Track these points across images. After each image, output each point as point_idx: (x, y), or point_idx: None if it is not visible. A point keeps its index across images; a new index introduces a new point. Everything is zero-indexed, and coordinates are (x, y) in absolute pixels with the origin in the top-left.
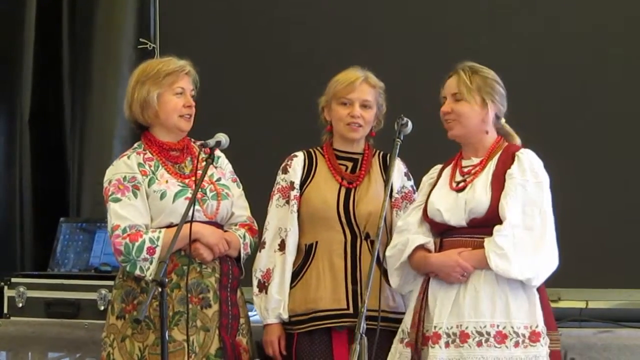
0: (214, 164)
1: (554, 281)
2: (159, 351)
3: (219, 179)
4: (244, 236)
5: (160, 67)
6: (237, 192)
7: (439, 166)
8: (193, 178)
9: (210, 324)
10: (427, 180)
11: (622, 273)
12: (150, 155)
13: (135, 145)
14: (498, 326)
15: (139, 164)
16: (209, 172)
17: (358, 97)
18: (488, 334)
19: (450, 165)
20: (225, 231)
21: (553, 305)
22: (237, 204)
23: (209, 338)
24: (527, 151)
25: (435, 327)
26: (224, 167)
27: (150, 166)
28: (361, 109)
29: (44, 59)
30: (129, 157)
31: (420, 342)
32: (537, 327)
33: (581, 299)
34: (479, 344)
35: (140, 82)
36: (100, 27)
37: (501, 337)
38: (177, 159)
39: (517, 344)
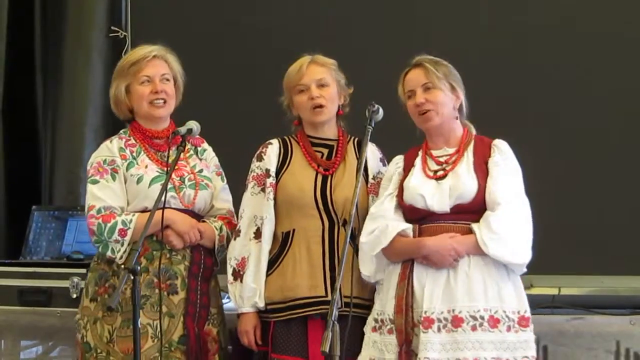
0: (199, 155)
1: (527, 267)
2: (125, 334)
3: (200, 170)
4: (221, 228)
5: (127, 58)
6: (220, 185)
7: (401, 156)
8: (168, 170)
9: (176, 311)
10: (394, 169)
11: (595, 259)
12: (134, 142)
13: (122, 131)
14: (490, 310)
15: (120, 148)
16: (192, 163)
17: (311, 79)
18: (482, 318)
19: (419, 156)
20: (203, 222)
21: (525, 292)
22: (218, 197)
23: (173, 324)
24: (502, 142)
25: (425, 312)
26: (209, 160)
27: (132, 152)
28: (319, 89)
29: (15, 48)
30: (111, 142)
31: (410, 327)
32: (525, 312)
33: (554, 286)
34: (474, 328)
35: (113, 78)
36: (71, 16)
37: (494, 322)
38: (160, 147)
39: (508, 329)
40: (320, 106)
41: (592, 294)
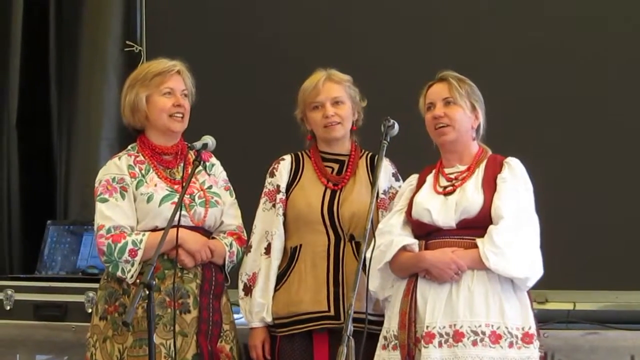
0: (208, 171)
1: (541, 283)
2: (137, 354)
3: (210, 187)
4: (231, 244)
5: (149, 68)
6: (229, 200)
7: (416, 175)
8: (183, 184)
9: (189, 330)
10: (406, 187)
11: (610, 274)
12: (142, 158)
13: (130, 147)
14: (492, 326)
15: (129, 166)
16: (200, 179)
17: (326, 97)
18: (483, 333)
19: (432, 173)
20: (213, 238)
21: (540, 307)
22: (227, 213)
23: (186, 343)
24: (514, 159)
25: (427, 327)
26: (217, 175)
27: (140, 169)
28: (333, 107)
29: (30, 62)
30: (119, 159)
31: (412, 343)
32: (529, 328)
33: (568, 301)
34: (474, 343)
35: (130, 86)
36: (86, 31)
37: (495, 337)
38: (169, 163)
39: (511, 345)
40: (337, 123)
41: (607, 309)
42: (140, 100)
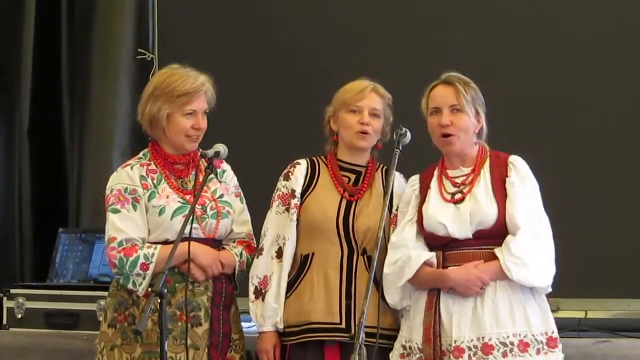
0: (219, 178)
1: (553, 291)
2: None
3: (221, 196)
4: (241, 254)
5: (177, 84)
6: (239, 207)
7: (417, 177)
8: (195, 193)
9: (200, 343)
10: (411, 193)
11: (622, 283)
12: (155, 167)
13: (141, 154)
14: (520, 335)
15: (142, 177)
16: (212, 188)
17: (368, 105)
18: (512, 344)
19: (435, 177)
20: (223, 248)
21: (552, 315)
22: (237, 220)
23: (199, 357)
24: (518, 158)
25: (455, 341)
26: (228, 182)
27: (153, 179)
28: (370, 118)
29: (43, 70)
30: (132, 168)
31: (437, 357)
32: (552, 333)
33: (580, 309)
34: (505, 354)
35: (154, 96)
36: (98, 38)
37: (524, 346)
38: (181, 173)
39: (538, 351)
40: (366, 133)
41: (619, 317)
42: (162, 117)
